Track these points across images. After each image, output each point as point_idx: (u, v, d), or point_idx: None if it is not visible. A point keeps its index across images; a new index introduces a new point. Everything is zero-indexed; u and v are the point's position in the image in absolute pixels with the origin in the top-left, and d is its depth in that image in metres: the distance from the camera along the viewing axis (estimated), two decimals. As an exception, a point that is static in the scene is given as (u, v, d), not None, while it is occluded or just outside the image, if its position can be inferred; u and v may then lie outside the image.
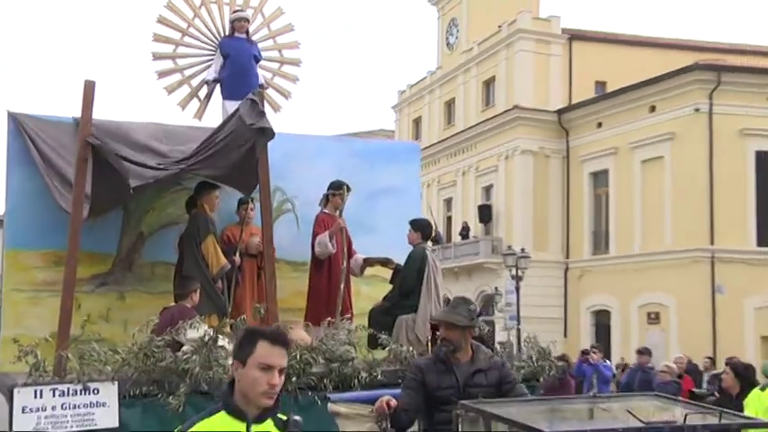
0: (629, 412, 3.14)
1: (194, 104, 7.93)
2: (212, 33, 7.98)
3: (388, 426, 4.30)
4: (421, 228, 7.25)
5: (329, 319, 6.55)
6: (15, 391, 5.17)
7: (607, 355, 19.79)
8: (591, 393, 3.89)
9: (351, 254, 7.58)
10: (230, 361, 5.77)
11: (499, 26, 31.37)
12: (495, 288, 28.44)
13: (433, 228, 7.47)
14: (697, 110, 24.58)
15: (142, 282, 7.30)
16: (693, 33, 79.03)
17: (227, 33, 7.94)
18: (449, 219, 34.39)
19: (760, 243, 24.38)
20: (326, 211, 7.47)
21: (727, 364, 8.04)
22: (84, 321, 5.76)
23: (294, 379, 5.69)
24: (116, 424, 5.31)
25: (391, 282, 7.49)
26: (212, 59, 7.88)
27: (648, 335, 24.86)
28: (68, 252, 5.93)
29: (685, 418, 3.15)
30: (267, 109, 7.07)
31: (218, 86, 7.85)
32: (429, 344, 6.31)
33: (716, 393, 10.97)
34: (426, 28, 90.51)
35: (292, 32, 8.32)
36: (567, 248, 29.52)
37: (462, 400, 4.19)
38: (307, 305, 7.33)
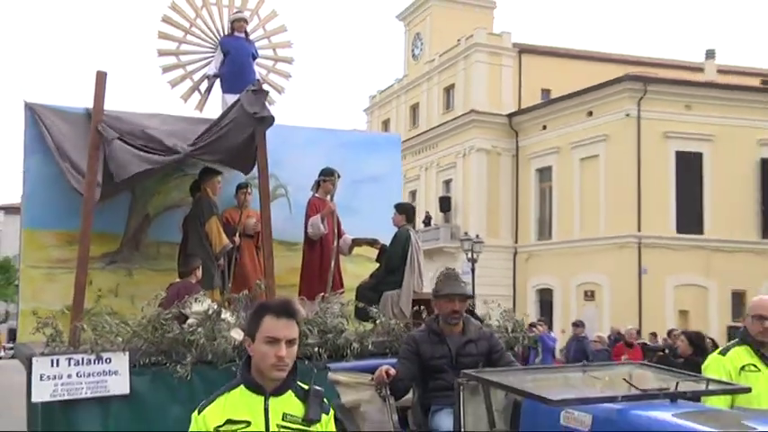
0: (626, 381, 2.89)
1: (195, 97, 7.57)
2: (213, 32, 7.61)
3: (387, 393, 4.03)
4: (405, 211, 6.97)
5: (323, 294, 6.24)
6: (34, 360, 4.92)
7: (550, 328, 19.84)
8: (581, 363, 3.61)
9: (340, 234, 7.27)
10: (232, 332, 5.48)
11: (458, 40, 31.27)
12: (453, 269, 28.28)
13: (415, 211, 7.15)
14: (627, 115, 24.72)
15: (148, 260, 7.02)
16: (626, 48, 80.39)
17: (227, 32, 7.58)
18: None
19: (679, 230, 24.61)
20: (318, 195, 7.14)
21: (682, 332, 8.20)
22: (97, 296, 5.43)
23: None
24: (127, 391, 5.05)
25: (377, 260, 7.20)
26: (213, 56, 7.51)
27: (585, 310, 24.98)
28: (81, 232, 5.60)
29: (677, 386, 2.92)
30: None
31: (218, 81, 7.49)
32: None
33: (665, 350, 11.50)
34: (394, 41, 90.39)
35: (285, 33, 7.99)
36: (515, 235, 29.50)
37: (455, 368, 4.01)
38: (300, 281, 7.00)
